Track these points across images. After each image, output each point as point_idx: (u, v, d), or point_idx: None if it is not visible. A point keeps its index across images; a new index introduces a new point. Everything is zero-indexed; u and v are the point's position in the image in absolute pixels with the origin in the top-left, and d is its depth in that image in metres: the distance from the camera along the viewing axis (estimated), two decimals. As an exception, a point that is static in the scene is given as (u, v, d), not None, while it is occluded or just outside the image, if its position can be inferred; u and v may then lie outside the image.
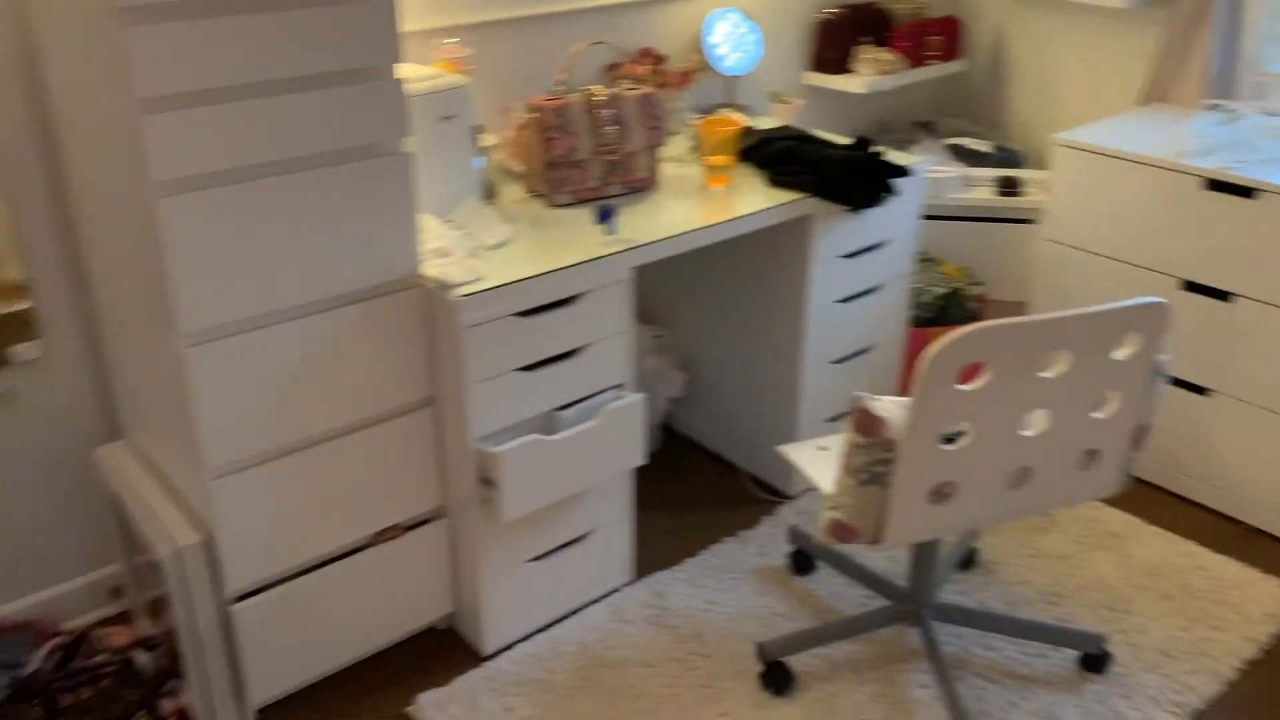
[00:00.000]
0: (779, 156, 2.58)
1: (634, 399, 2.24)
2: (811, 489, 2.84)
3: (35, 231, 2.11)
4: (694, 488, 2.89)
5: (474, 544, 2.19)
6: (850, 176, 2.47)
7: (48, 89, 2.03)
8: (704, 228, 2.29)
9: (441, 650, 2.32)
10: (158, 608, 2.27)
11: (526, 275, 2.03)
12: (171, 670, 2.14)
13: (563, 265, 2.08)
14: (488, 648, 2.29)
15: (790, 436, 2.76)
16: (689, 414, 3.07)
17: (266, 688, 2.10)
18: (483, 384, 2.05)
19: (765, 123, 2.91)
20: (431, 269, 2.03)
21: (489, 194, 2.38)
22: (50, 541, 2.31)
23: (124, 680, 2.11)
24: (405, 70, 2.11)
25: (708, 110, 3.00)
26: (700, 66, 2.91)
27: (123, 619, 2.39)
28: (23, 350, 2.15)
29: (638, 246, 2.18)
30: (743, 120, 2.64)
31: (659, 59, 2.85)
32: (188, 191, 1.70)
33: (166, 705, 2.10)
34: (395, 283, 2.01)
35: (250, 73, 1.70)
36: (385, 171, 1.91)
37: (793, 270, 2.58)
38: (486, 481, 2.11)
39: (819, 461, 2.17)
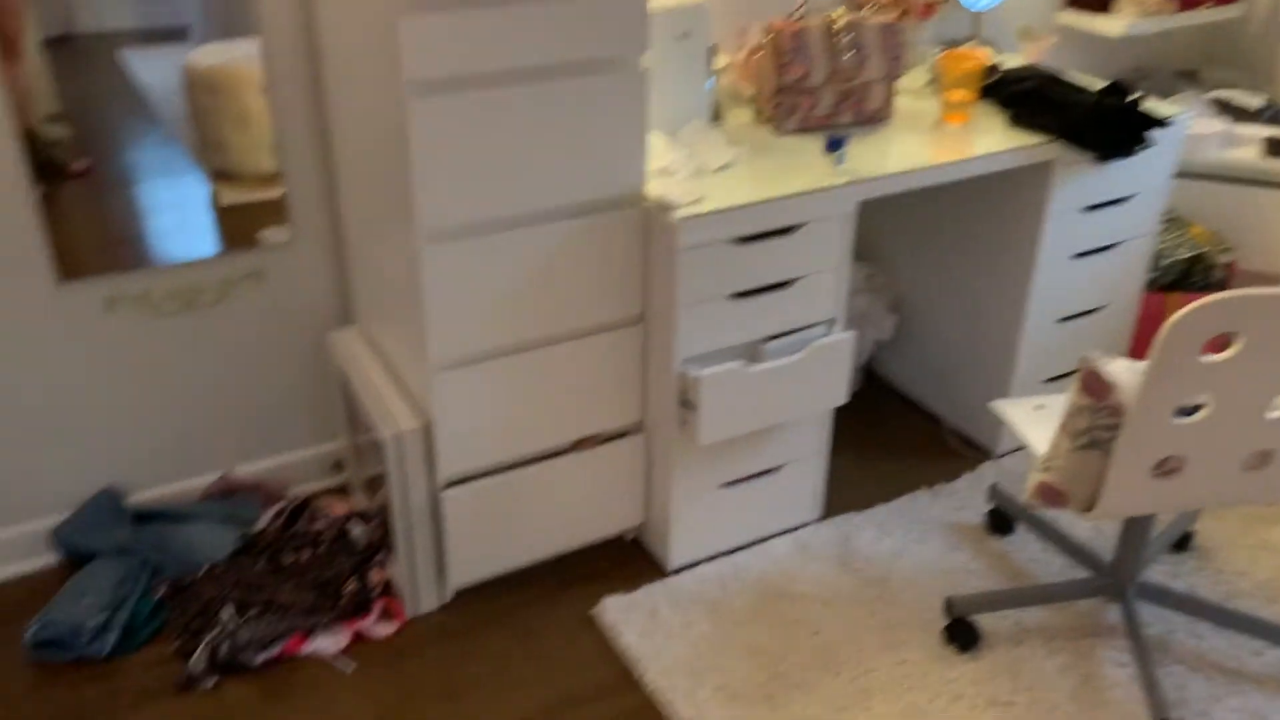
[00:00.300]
0: (1023, 97, 2.43)
1: (843, 337, 2.20)
2: (1020, 449, 2.73)
3: (292, 126, 2.25)
4: (892, 435, 2.83)
5: (668, 463, 2.23)
6: (1102, 123, 2.31)
7: (314, -12, 2.14)
8: (937, 166, 2.20)
9: (628, 560, 2.38)
10: (373, 485, 2.43)
11: (748, 201, 2.01)
12: (381, 543, 2.30)
13: (785, 194, 2.05)
14: (672, 563, 2.34)
15: (1002, 393, 2.65)
16: (894, 359, 2.99)
17: (466, 571, 2.22)
18: (692, 307, 2.06)
19: (1011, 61, 2.75)
20: (654, 188, 2.04)
21: (716, 116, 2.37)
22: (285, 413, 2.50)
23: (339, 547, 2.28)
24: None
25: (950, 44, 2.86)
26: (947, -3, 2.76)
27: (341, 492, 2.57)
28: (273, 234, 2.31)
29: (866, 180, 2.12)
30: (988, 56, 2.50)
31: (904, -14, 2.73)
32: (436, 94, 1.77)
33: (374, 575, 2.25)
34: (620, 199, 2.03)
35: (502, -20, 1.74)
36: (622, 87, 1.92)
37: (1027, 219, 2.45)
38: (686, 403, 2.13)
39: (1034, 421, 2.08)
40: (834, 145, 2.11)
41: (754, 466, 2.34)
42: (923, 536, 2.45)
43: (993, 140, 2.32)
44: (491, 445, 2.12)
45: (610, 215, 2.02)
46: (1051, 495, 1.87)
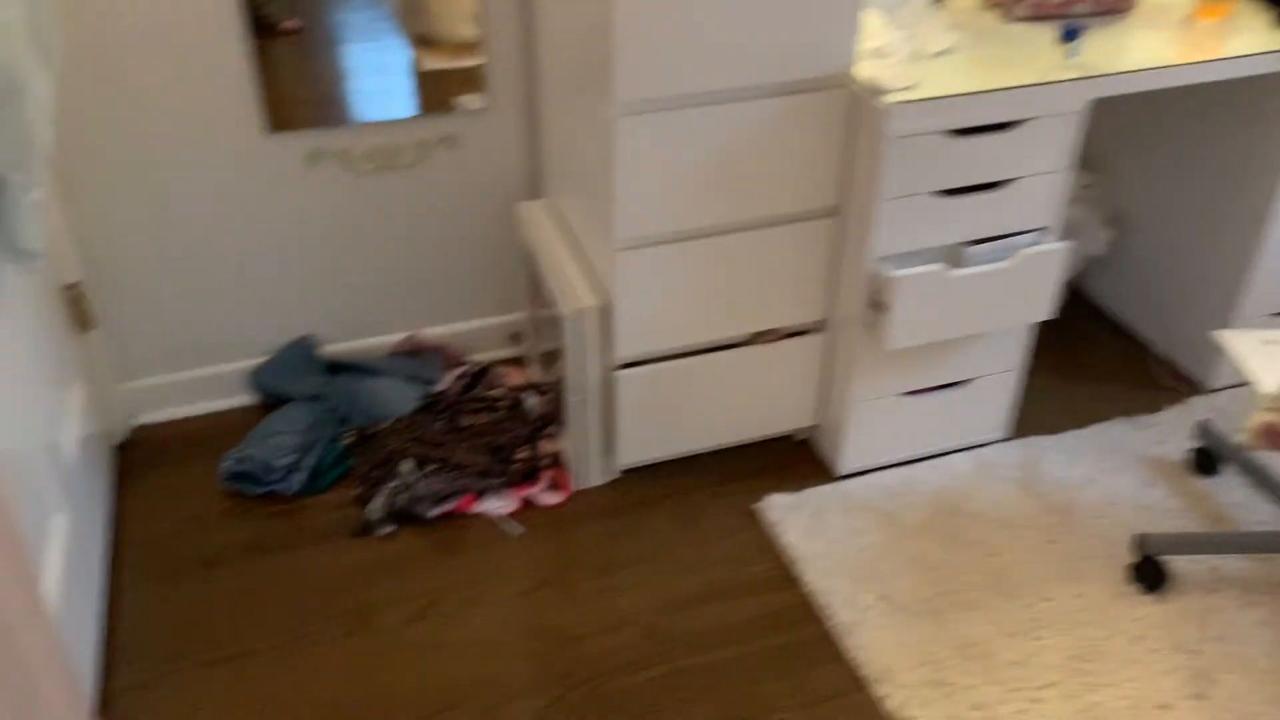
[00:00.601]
0: (1299, -9, 2.14)
1: (1055, 246, 2.04)
2: (1236, 386, 2.50)
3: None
4: (1093, 358, 2.64)
5: (849, 365, 2.14)
6: (1392, 25, 2.01)
7: None
8: (1185, 65, 1.97)
9: (797, 460, 2.33)
10: (549, 359, 2.45)
11: (967, 90, 1.86)
12: (553, 416, 2.32)
13: (1009, 85, 1.88)
14: (843, 468, 2.27)
15: (1224, 324, 2.42)
16: (1105, 276, 2.78)
17: (633, 451, 2.22)
18: (894, 201, 1.94)
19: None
20: (865, 70, 1.91)
21: (939, -2, 2.19)
22: (471, 281, 2.53)
23: (513, 416, 2.31)
24: None
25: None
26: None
27: (518, 363, 2.61)
28: (469, 100, 2.30)
29: (1102, 75, 1.92)
30: (1261, -58, 2.21)
31: None
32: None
33: (545, 445, 2.29)
34: (825, 79, 1.91)
35: None
36: (840, -44, 1.79)
37: (1274, 137, 2.19)
38: (877, 304, 2.03)
39: (1263, 355, 1.88)
40: (1070, 35, 1.92)
41: (941, 377, 2.22)
42: (1116, 467, 2.30)
43: (1251, 40, 2.07)
44: (669, 330, 2.09)
45: (814, 97, 1.91)
46: (1276, 437, 1.69)
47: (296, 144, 2.24)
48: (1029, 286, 2.06)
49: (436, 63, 2.26)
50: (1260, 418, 1.72)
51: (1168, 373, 2.57)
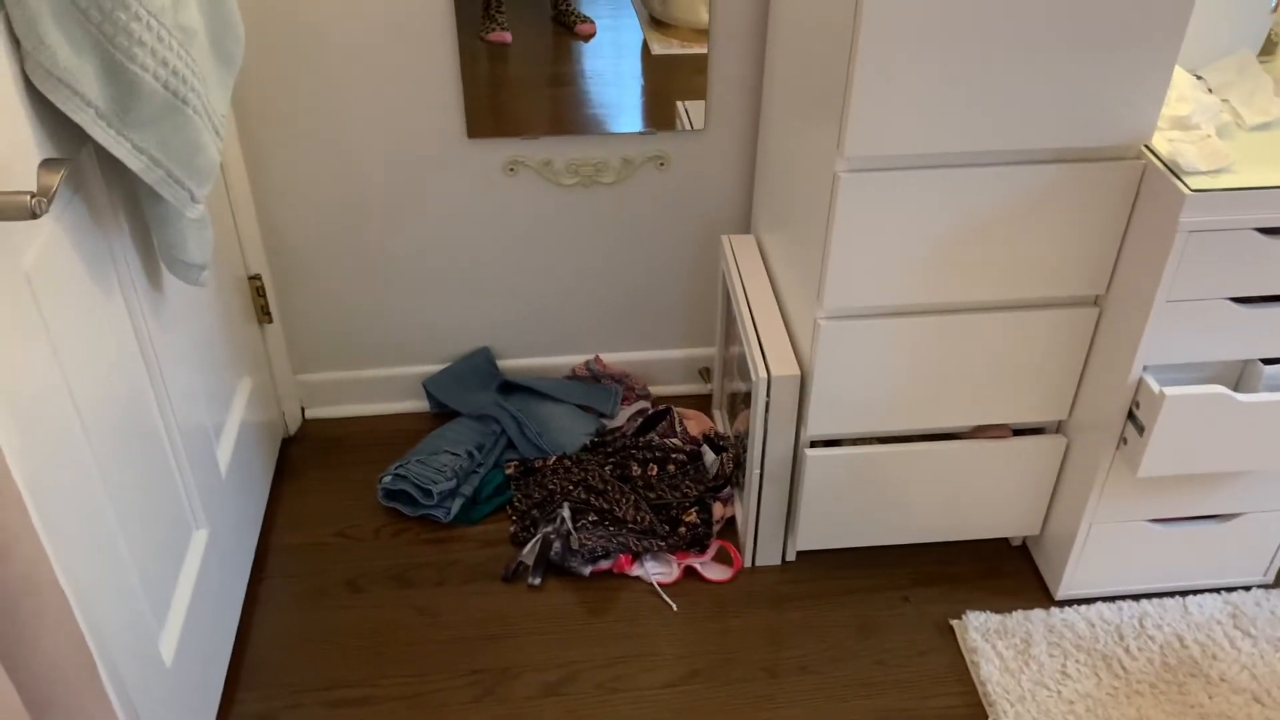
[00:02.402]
0: None
1: (1382, 380, 1.62)
2: None
3: (732, 15, 1.96)
4: (1397, 493, 2.16)
5: (1089, 479, 1.80)
6: None
7: None
8: None
9: (1009, 570, 2.01)
10: (735, 405, 2.22)
11: (1295, 182, 1.48)
12: (731, 477, 2.09)
13: (1355, 179, 1.48)
14: (1063, 592, 1.94)
15: None
16: None
17: (816, 536, 1.96)
18: (1177, 304, 1.58)
19: None
20: (1162, 141, 1.55)
21: (1269, 48, 1.78)
22: (663, 309, 2.32)
23: (688, 471, 2.09)
24: None
25: None
26: None
27: (703, 403, 2.38)
28: (690, 107, 2.06)
29: None
30: None
31: None
32: (903, -10, 1.40)
33: (718, 508, 2.06)
34: (1111, 149, 1.57)
35: None
36: (1150, 7, 1.43)
37: None
38: (1134, 420, 1.68)
39: None
40: None
41: (1200, 508, 1.84)
42: None
43: None
44: (874, 412, 1.81)
45: (1094, 168, 1.57)
46: None
47: (497, 151, 2.08)
48: (1337, 424, 1.66)
49: (667, 48, 2.02)
50: None
51: None
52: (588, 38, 1.97)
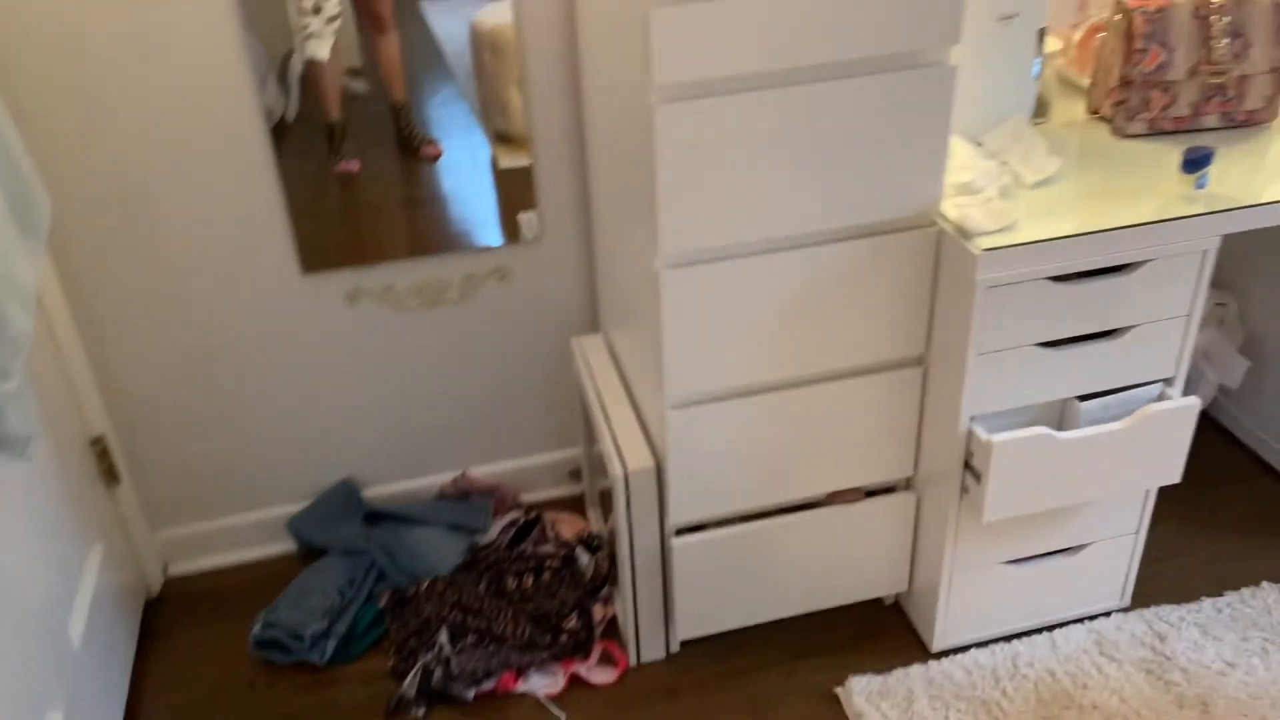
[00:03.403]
0: None
1: (1184, 403, 1.75)
2: (1405, 545, 2.14)
3: (544, 105, 2.04)
4: (1232, 504, 2.30)
5: (941, 531, 1.87)
6: None
7: (575, -39, 1.90)
8: (1339, 193, 1.67)
9: (884, 629, 2.06)
10: (606, 502, 2.24)
11: (1072, 232, 1.60)
12: (609, 576, 2.10)
13: (1123, 224, 1.61)
14: (937, 644, 1.99)
15: (1390, 473, 2.07)
16: (1242, 407, 2.44)
17: (695, 624, 1.98)
18: (989, 356, 1.68)
19: None
20: (952, 208, 1.67)
21: (1040, 110, 1.93)
22: (525, 416, 2.35)
23: (564, 577, 2.09)
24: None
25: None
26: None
27: (576, 504, 2.40)
28: (522, 223, 2.12)
29: (1236, 209, 1.64)
30: None
31: (1306, -56, 2.14)
32: (689, 99, 1.48)
33: (598, 610, 2.06)
34: (905, 220, 1.67)
35: (779, -42, 1.41)
36: (921, 88, 1.55)
37: None
38: (971, 469, 1.76)
39: None
40: (1194, 164, 1.64)
41: (1049, 544, 1.93)
42: (1263, 648, 1.96)
43: None
44: (733, 492, 1.85)
45: (893, 239, 1.67)
46: None
47: (336, 283, 2.09)
48: (1151, 449, 1.77)
49: (514, 161, 2.07)
50: None
51: (1321, 524, 2.22)
52: (434, 159, 2.02)
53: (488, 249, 2.13)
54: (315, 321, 2.12)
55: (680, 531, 1.90)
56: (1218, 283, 2.41)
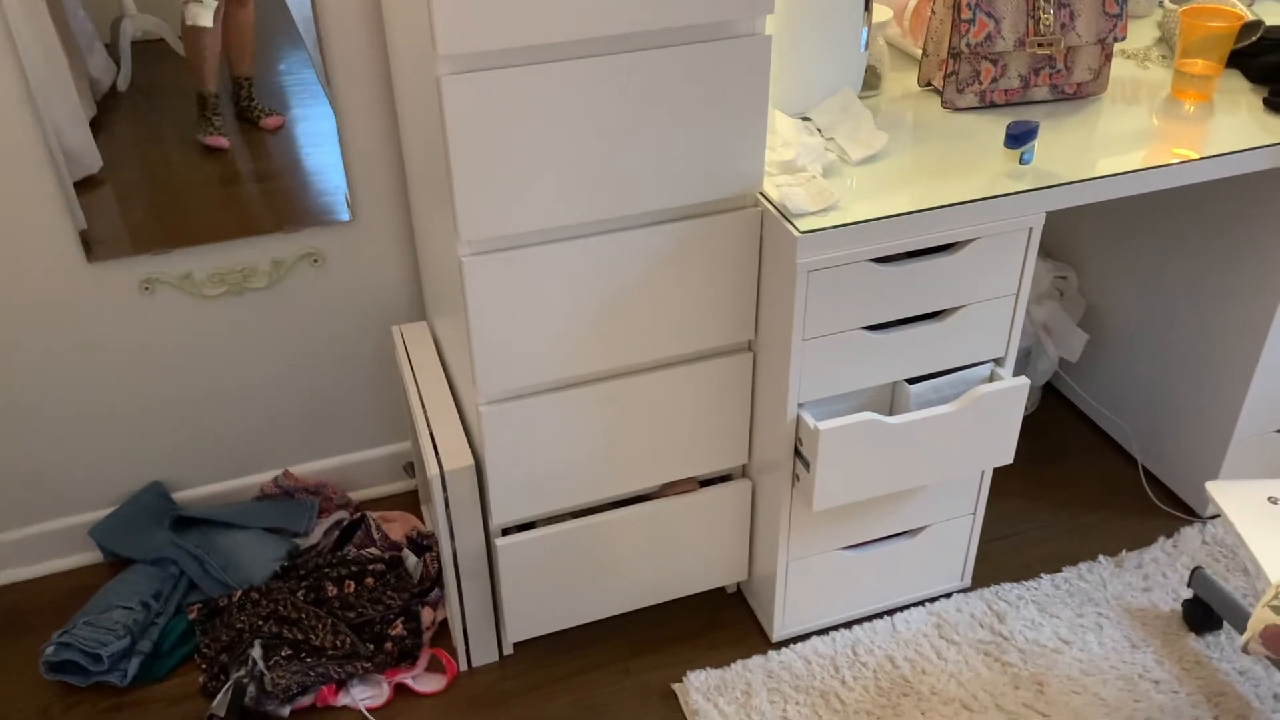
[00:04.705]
0: (1291, 69, 1.83)
1: (1013, 384, 1.71)
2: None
3: (351, 83, 1.89)
4: (1074, 476, 2.30)
5: (776, 519, 1.81)
6: (1405, 112, 1.69)
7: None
8: (1160, 169, 1.65)
9: (726, 620, 1.99)
10: (441, 499, 2.12)
11: (895, 212, 1.54)
12: (438, 578, 1.99)
13: (948, 202, 1.55)
14: (777, 633, 1.93)
15: (1222, 440, 2.09)
16: (1082, 375, 2.45)
17: (525, 625, 1.88)
18: (815, 341, 1.61)
19: (1274, 16, 2.10)
20: (774, 187, 1.59)
21: (870, 83, 1.87)
22: (351, 408, 2.20)
23: (387, 581, 1.97)
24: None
25: (1191, -13, 2.23)
26: (1194, -74, 2.12)
27: (411, 500, 2.27)
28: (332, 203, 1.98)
29: (1059, 185, 1.60)
30: (1242, 11, 1.89)
31: (1136, -88, 2.12)
32: (479, 70, 1.36)
33: (427, 614, 1.95)
34: (724, 202, 1.59)
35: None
36: (735, 60, 1.46)
37: (1279, 237, 1.87)
38: (800, 456, 1.70)
39: (1265, 523, 1.55)
40: (1018, 139, 1.59)
41: (887, 528, 1.89)
42: (1097, 623, 1.96)
43: (1240, 130, 1.74)
44: (559, 488, 1.75)
45: (713, 222, 1.59)
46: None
47: (126, 272, 1.91)
48: (983, 430, 1.73)
49: None
50: (1265, 619, 1.38)
51: (1156, 492, 2.24)
52: (274, 130, 1.87)
53: (298, 231, 1.98)
54: (107, 314, 1.94)
55: (506, 531, 1.79)
56: (1058, 255, 2.40)
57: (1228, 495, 1.61)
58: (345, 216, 1.99)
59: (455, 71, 1.35)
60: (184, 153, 1.86)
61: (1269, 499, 1.59)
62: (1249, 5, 2.11)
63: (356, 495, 2.27)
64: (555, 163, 1.45)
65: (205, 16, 1.77)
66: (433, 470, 1.69)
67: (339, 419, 2.21)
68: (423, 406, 1.84)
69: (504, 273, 1.52)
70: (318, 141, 1.92)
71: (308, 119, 1.91)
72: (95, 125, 1.81)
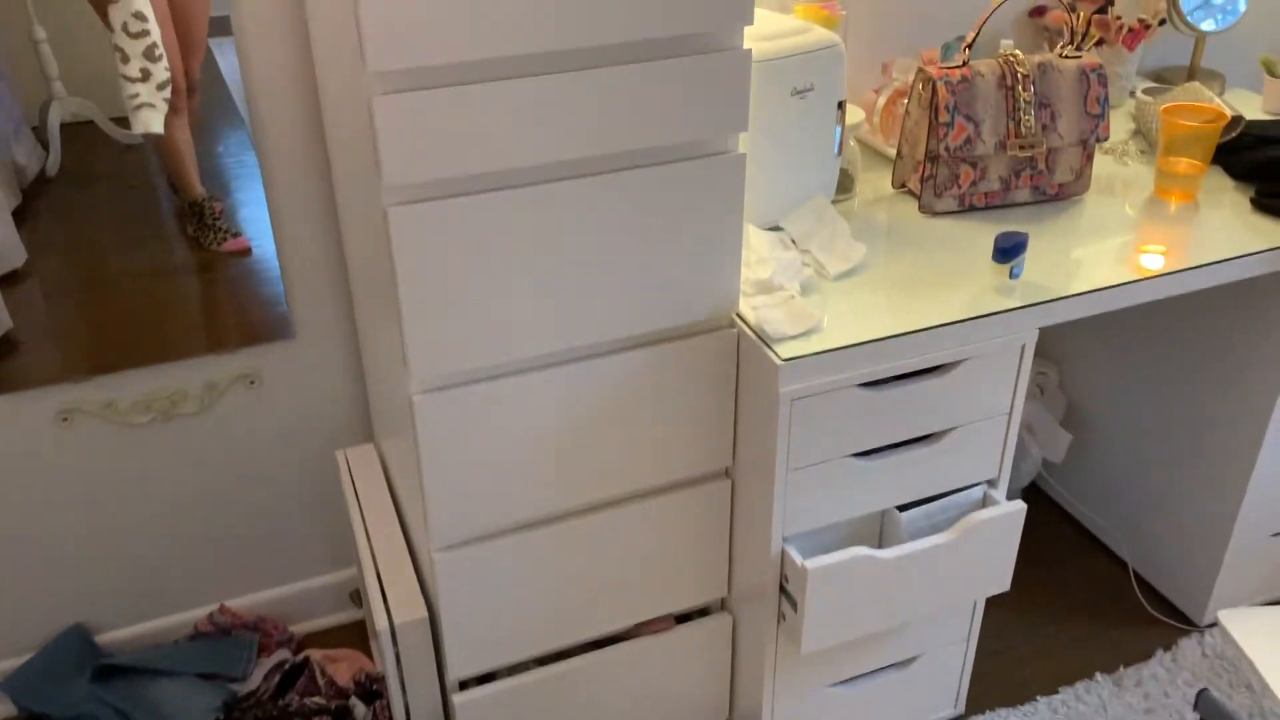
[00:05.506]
0: (1277, 168, 1.76)
1: (1009, 509, 1.60)
2: (1232, 623, 2.07)
3: (290, 187, 1.75)
4: (1064, 582, 2.19)
5: (760, 656, 1.67)
6: (1401, 215, 1.63)
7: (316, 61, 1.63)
8: (1154, 278, 1.56)
9: (704, 763, 1.84)
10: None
11: (882, 334, 1.42)
12: (391, 727, 1.81)
13: (937, 323, 1.45)
14: (762, 777, 1.78)
15: (1218, 546, 1.99)
16: (1068, 476, 2.35)
17: (488, 782, 1.71)
18: (800, 471, 1.48)
19: (1248, 108, 2.06)
20: (749, 310, 1.47)
21: (844, 186, 1.77)
22: (291, 536, 2.03)
23: (336, 733, 1.80)
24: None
25: (1161, 77, 2.18)
26: (1161, 18, 2.08)
27: (358, 632, 2.10)
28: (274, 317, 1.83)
29: (1054, 300, 1.50)
30: (1224, 108, 1.83)
31: (1104, 4, 2.07)
32: (432, 199, 1.24)
33: (380, 769, 1.77)
34: (698, 325, 1.47)
35: (521, 40, 1.18)
36: (707, 180, 1.35)
37: (1274, 335, 1.79)
38: (787, 594, 1.56)
39: (1287, 659, 1.44)
40: (1008, 253, 1.49)
41: (878, 660, 1.76)
42: (1101, 752, 1.84)
43: (1229, 232, 1.67)
44: (524, 636, 1.60)
45: (686, 347, 1.47)
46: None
47: (39, 403, 1.74)
48: (979, 558, 1.61)
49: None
50: (1302, 778, 1.27)
51: (1150, 599, 2.13)
52: (238, 254, 1.74)
53: (232, 351, 1.82)
54: (21, 447, 1.76)
55: (464, 684, 1.63)
56: (1038, 352, 2.31)
57: (1238, 621, 1.50)
58: (286, 333, 1.84)
59: (403, 202, 1.22)
60: (116, 244, 1.69)
61: (1287, 630, 1.48)
62: (1220, 95, 2.07)
63: (299, 628, 2.09)
64: (515, 293, 1.33)
65: (156, 122, 1.61)
66: (381, 623, 1.53)
67: (279, 547, 2.03)
68: (369, 543, 1.68)
69: (460, 409, 1.38)
70: (256, 242, 1.78)
71: (248, 220, 1.76)
72: (20, 215, 1.66)
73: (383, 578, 1.61)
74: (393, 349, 1.43)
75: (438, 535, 1.47)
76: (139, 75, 1.55)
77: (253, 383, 1.87)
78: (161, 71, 1.56)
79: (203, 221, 1.71)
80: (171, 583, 1.98)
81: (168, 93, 1.58)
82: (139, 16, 1.52)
